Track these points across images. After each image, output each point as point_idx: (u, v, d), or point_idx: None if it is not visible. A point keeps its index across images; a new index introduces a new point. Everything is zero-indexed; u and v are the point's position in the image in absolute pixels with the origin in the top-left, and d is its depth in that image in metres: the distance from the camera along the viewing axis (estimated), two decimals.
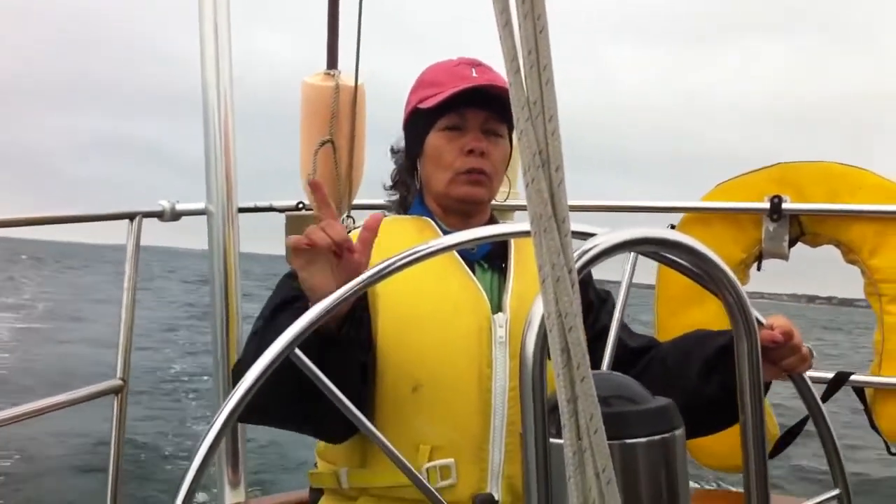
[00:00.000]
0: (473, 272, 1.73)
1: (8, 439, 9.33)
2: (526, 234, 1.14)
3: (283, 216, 3.09)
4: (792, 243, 2.87)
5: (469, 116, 1.76)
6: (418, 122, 1.81)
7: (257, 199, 3.18)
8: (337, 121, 2.64)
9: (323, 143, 2.63)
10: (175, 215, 2.91)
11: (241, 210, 3.00)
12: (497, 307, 1.70)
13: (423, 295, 1.66)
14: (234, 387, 1.43)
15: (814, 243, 2.91)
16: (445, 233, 1.76)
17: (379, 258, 1.62)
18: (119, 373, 2.66)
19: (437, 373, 1.61)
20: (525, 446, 0.86)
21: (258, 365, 0.95)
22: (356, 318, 1.50)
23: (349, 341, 1.45)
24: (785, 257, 2.90)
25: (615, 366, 1.28)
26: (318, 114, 2.67)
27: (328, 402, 1.43)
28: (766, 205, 2.82)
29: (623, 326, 1.81)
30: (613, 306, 1.84)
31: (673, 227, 2.92)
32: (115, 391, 2.63)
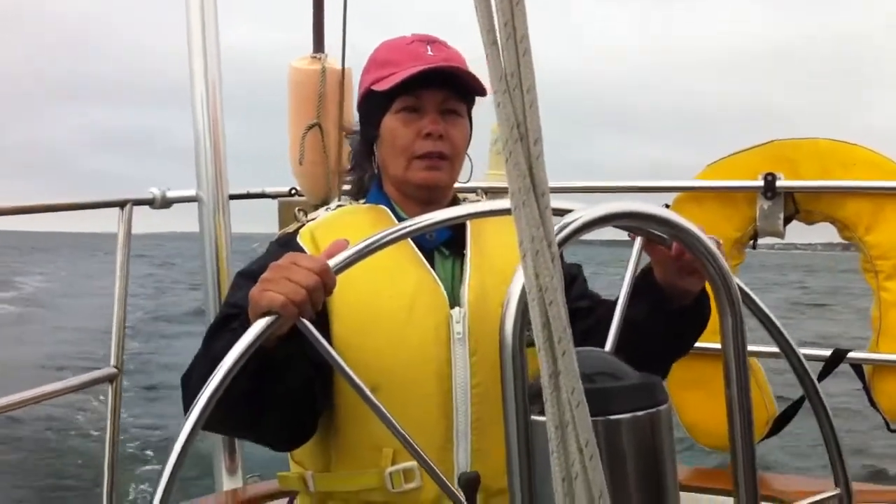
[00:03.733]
0: (432, 261, 1.67)
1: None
2: (505, 212, 1.14)
3: (275, 202, 3.09)
4: (787, 221, 2.86)
5: (426, 97, 1.68)
6: (373, 105, 1.74)
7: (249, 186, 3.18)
8: (324, 104, 2.62)
9: (310, 127, 2.61)
10: (166, 202, 2.90)
11: (233, 197, 3.00)
12: (457, 299, 1.64)
13: (377, 292, 1.60)
14: (184, 395, 1.44)
15: (809, 221, 2.89)
16: (403, 221, 1.71)
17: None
18: (113, 360, 2.66)
19: (394, 374, 1.56)
20: (506, 425, 0.85)
21: (238, 347, 0.97)
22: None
23: (287, 358, 1.38)
24: (781, 235, 2.88)
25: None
26: (306, 98, 2.65)
27: (269, 413, 1.45)
28: (760, 183, 2.80)
29: (592, 296, 1.78)
30: (584, 281, 1.82)
31: (667, 206, 2.91)
32: (110, 379, 2.63)
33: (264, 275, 1.25)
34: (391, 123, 1.70)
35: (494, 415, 1.01)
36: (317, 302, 1.22)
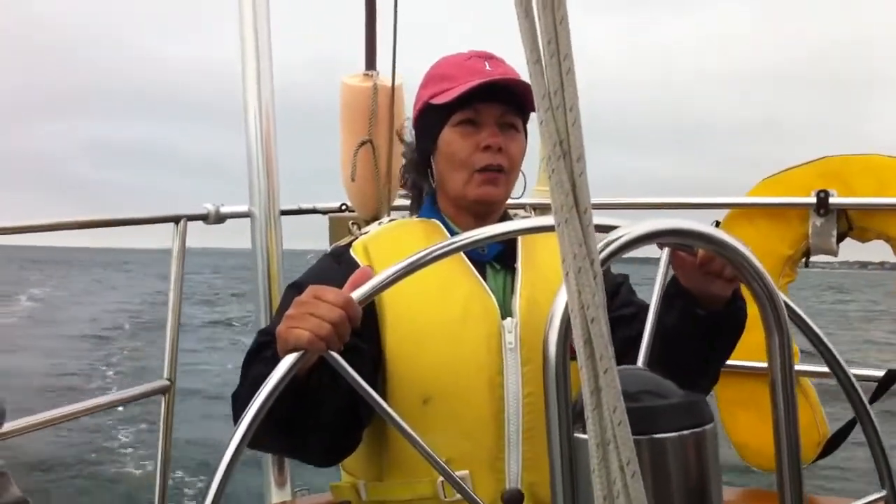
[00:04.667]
0: (484, 274, 1.70)
1: (56, 436, 9.62)
2: (548, 228, 1.14)
3: (326, 218, 3.12)
4: (840, 238, 2.80)
5: (484, 111, 1.71)
6: (431, 118, 1.76)
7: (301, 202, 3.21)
8: (375, 121, 2.64)
9: (362, 144, 2.64)
10: (219, 218, 2.95)
11: (284, 213, 3.03)
12: (508, 311, 1.66)
13: (430, 303, 1.62)
14: (233, 412, 1.47)
15: (862, 238, 2.84)
16: (455, 235, 1.73)
17: (384, 265, 1.62)
18: (166, 373, 2.70)
19: (447, 384, 1.58)
20: (550, 443, 0.85)
21: (269, 384, 1.00)
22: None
23: (320, 387, 1.39)
24: (834, 253, 2.83)
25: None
26: (357, 114, 2.68)
27: (310, 438, 1.48)
28: (813, 199, 2.76)
29: (638, 303, 1.77)
30: (630, 290, 1.81)
31: (718, 223, 2.88)
32: (163, 391, 2.67)
33: (289, 311, 1.26)
34: (449, 136, 1.73)
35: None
36: (343, 335, 1.22)
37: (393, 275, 1.09)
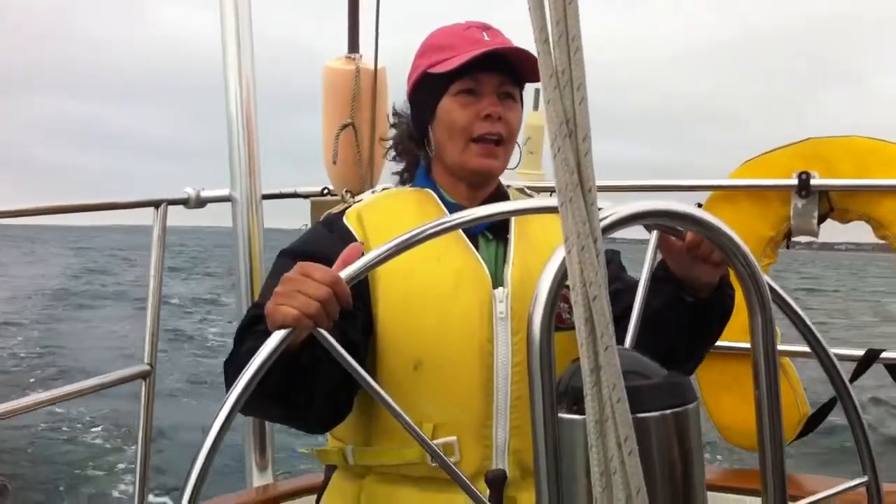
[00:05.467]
0: (477, 244, 1.70)
1: (34, 423, 9.58)
2: (546, 209, 1.14)
3: (307, 202, 3.10)
4: (821, 220, 2.82)
5: (484, 80, 1.71)
6: (429, 87, 1.75)
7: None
8: (358, 104, 2.63)
9: (344, 127, 2.63)
10: (200, 202, 2.93)
11: (266, 197, 3.02)
12: (500, 281, 1.67)
13: (423, 271, 1.63)
14: (226, 383, 1.47)
15: (843, 219, 2.86)
16: (448, 205, 1.73)
17: (378, 237, 1.59)
18: (146, 358, 2.69)
19: (437, 350, 1.59)
20: (533, 422, 0.85)
21: (256, 360, 1.00)
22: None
23: (314, 361, 1.39)
24: (814, 234, 2.85)
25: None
26: (340, 97, 2.66)
27: (305, 409, 1.49)
28: (794, 181, 2.77)
29: (625, 279, 1.78)
30: (619, 265, 1.82)
31: (700, 205, 2.90)
32: (143, 376, 2.66)
33: (277, 288, 1.26)
34: (449, 105, 1.73)
35: None
36: (332, 312, 1.23)
37: (383, 253, 1.08)
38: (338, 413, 1.59)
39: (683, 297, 1.53)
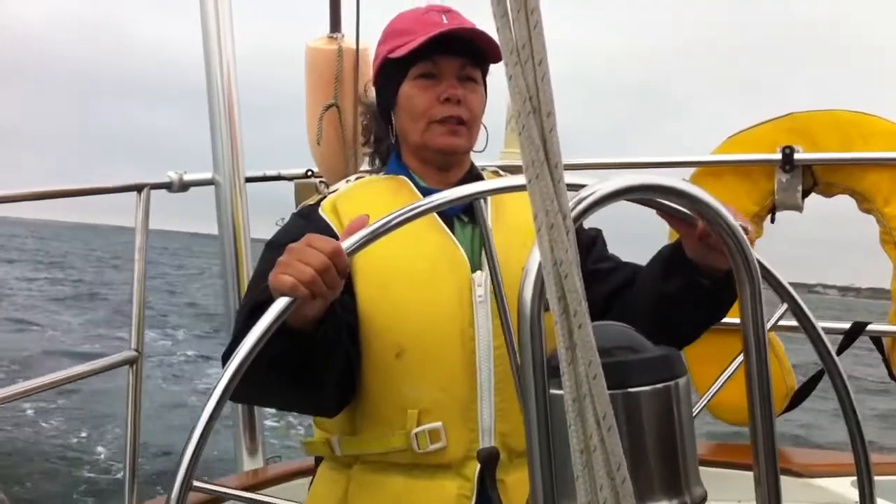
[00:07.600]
0: (452, 228, 1.70)
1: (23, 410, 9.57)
2: (518, 188, 1.13)
3: (292, 184, 3.09)
4: (805, 194, 2.83)
5: (443, 63, 1.70)
6: (390, 73, 1.75)
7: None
8: (341, 84, 2.62)
9: (328, 108, 2.61)
10: (183, 186, 2.91)
11: (249, 179, 3.01)
12: (477, 264, 1.67)
13: (400, 258, 1.62)
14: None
15: (827, 193, 2.87)
16: (422, 190, 1.72)
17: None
18: (133, 344, 2.68)
19: (419, 336, 1.59)
20: (525, 399, 0.85)
21: (246, 344, 0.98)
22: (334, 314, 1.44)
23: (326, 339, 1.41)
24: (799, 209, 2.86)
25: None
26: (323, 78, 2.65)
27: (324, 388, 1.50)
28: (778, 156, 2.78)
29: (614, 258, 1.79)
30: (604, 243, 1.82)
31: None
32: (130, 362, 2.65)
33: (281, 258, 1.27)
34: (408, 90, 1.72)
35: None
36: (330, 281, 1.24)
37: (385, 224, 1.08)
38: (351, 393, 1.61)
39: (700, 280, 1.52)
